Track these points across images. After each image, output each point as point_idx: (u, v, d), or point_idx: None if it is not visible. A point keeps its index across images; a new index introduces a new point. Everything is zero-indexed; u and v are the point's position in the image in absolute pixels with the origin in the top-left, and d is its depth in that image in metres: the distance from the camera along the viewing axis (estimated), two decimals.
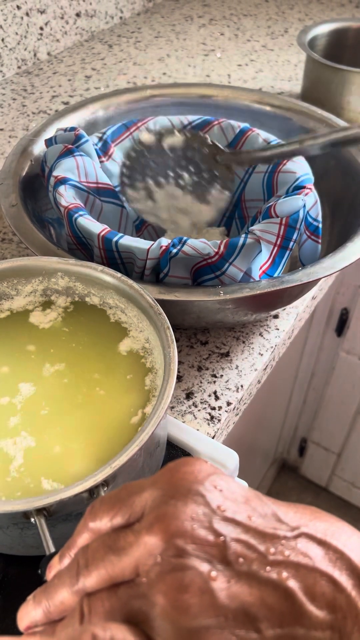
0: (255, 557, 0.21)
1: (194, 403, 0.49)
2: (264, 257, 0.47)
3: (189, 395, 0.49)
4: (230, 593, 0.20)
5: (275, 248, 0.47)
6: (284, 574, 0.21)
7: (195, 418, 0.48)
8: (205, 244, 0.45)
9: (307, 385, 1.10)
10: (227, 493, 0.23)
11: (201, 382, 0.50)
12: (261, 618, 0.20)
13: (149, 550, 0.21)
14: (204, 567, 0.20)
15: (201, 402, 0.49)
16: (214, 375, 0.51)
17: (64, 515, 0.33)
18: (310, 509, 0.24)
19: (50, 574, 0.25)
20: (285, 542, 0.22)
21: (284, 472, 1.37)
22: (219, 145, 0.54)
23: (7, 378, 0.40)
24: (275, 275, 0.49)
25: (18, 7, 0.93)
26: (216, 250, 0.45)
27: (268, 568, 0.21)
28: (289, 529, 0.22)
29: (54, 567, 0.25)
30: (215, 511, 0.22)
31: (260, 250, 0.46)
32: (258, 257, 0.46)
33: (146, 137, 0.55)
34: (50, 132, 0.61)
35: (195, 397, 0.49)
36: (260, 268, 0.47)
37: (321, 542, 0.22)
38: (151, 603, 0.21)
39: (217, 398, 0.49)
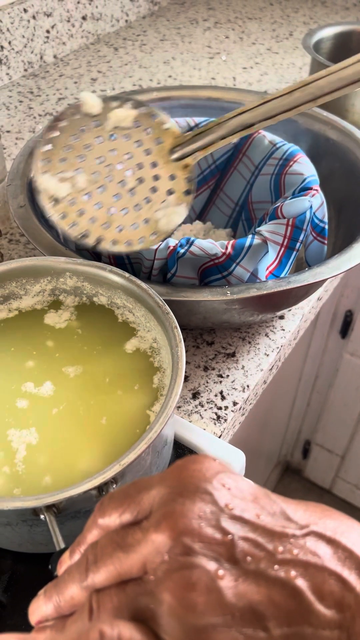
0: (263, 556, 0.21)
1: (200, 403, 0.49)
2: (270, 258, 0.47)
3: (195, 395, 0.49)
4: (237, 591, 0.20)
5: (282, 249, 0.47)
6: (292, 573, 0.21)
7: (202, 418, 0.48)
8: (212, 245, 0.46)
9: (311, 388, 1.10)
10: (235, 491, 0.23)
11: (207, 382, 0.50)
12: (269, 617, 0.20)
13: (156, 548, 0.21)
14: (211, 565, 0.21)
15: (207, 402, 0.49)
16: (220, 375, 0.51)
17: (73, 513, 0.33)
18: (320, 506, 0.24)
19: (61, 569, 0.25)
20: (294, 541, 0.21)
21: (288, 474, 1.37)
22: (178, 129, 0.40)
23: (32, 372, 0.40)
24: (282, 275, 0.49)
25: (25, 10, 0.93)
26: (223, 250, 0.45)
27: (276, 566, 0.21)
28: (297, 527, 0.22)
29: (65, 563, 0.25)
30: (223, 509, 0.22)
31: (267, 251, 0.46)
32: (265, 258, 0.46)
33: (89, 100, 0.39)
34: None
35: (202, 396, 0.49)
36: (267, 269, 0.47)
37: (330, 541, 0.22)
38: (158, 601, 0.21)
39: (223, 398, 0.49)
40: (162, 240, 0.39)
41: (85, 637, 0.21)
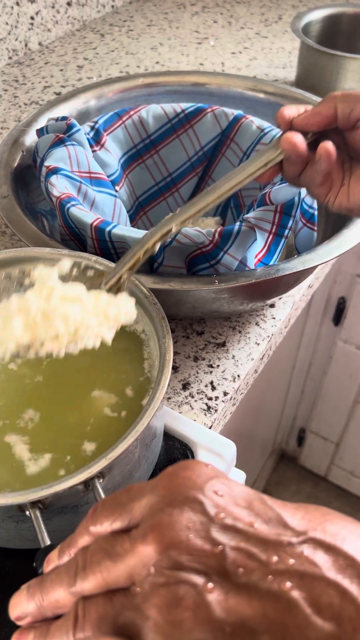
0: (256, 567, 0.20)
1: (190, 394, 0.48)
2: (259, 245, 0.46)
3: (185, 386, 0.49)
4: (227, 606, 0.19)
5: (271, 236, 0.47)
6: (287, 584, 0.19)
7: (192, 409, 0.47)
8: (199, 233, 0.45)
9: (305, 375, 1.10)
10: (227, 498, 0.22)
11: (197, 373, 0.50)
12: (261, 632, 0.19)
13: (142, 560, 0.21)
14: (199, 579, 0.20)
15: (198, 393, 0.48)
16: (211, 366, 0.50)
17: (60, 508, 0.33)
18: (320, 510, 0.22)
19: (47, 567, 0.25)
20: (290, 549, 0.20)
21: (283, 462, 1.37)
22: (99, 264, 0.40)
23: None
24: (271, 263, 0.48)
25: None
26: (210, 239, 0.45)
27: (270, 578, 0.20)
28: (294, 534, 0.21)
29: (52, 562, 0.25)
30: (214, 519, 0.21)
31: (256, 239, 0.45)
32: (253, 246, 0.46)
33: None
34: (41, 123, 0.60)
35: (192, 387, 0.49)
36: (256, 256, 0.47)
37: (330, 548, 0.20)
38: (144, 616, 0.20)
39: (213, 388, 0.49)
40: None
41: None
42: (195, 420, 0.46)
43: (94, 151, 0.56)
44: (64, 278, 0.38)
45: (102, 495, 0.30)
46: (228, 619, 0.19)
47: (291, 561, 0.20)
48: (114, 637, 0.20)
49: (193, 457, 0.42)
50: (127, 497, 0.23)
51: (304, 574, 0.20)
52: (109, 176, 0.57)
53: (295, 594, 0.19)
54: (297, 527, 0.21)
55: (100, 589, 0.22)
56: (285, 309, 0.55)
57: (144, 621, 0.20)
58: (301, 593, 0.19)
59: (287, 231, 0.47)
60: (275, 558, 0.20)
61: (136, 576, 0.21)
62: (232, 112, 0.58)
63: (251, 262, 0.47)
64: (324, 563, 0.20)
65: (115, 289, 0.38)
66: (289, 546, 0.20)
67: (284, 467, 1.36)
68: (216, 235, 0.45)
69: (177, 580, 0.20)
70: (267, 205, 0.47)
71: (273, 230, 0.46)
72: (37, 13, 0.98)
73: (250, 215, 0.46)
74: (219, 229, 0.45)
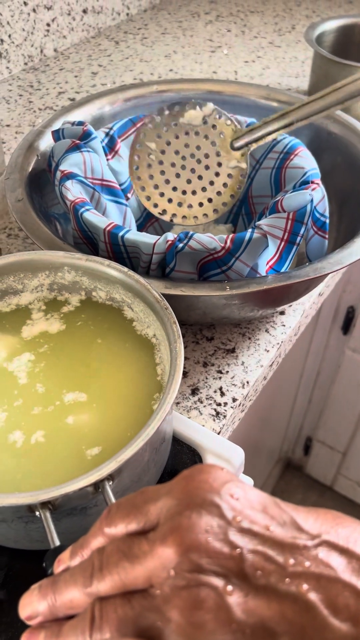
0: (273, 569, 0.20)
1: (199, 399, 0.48)
2: (270, 252, 0.46)
3: (194, 391, 0.49)
4: (247, 608, 0.20)
5: (282, 243, 0.47)
6: (304, 586, 0.20)
7: (201, 414, 0.47)
8: (211, 239, 0.45)
9: (313, 384, 1.09)
10: (243, 502, 0.22)
11: (207, 378, 0.50)
12: (281, 632, 0.19)
13: (162, 563, 0.21)
14: (219, 581, 0.20)
15: (207, 398, 0.48)
16: (220, 371, 0.50)
17: (69, 509, 0.33)
18: (331, 513, 0.23)
19: (58, 568, 0.25)
20: (306, 552, 0.21)
21: (289, 470, 1.36)
22: (237, 124, 0.50)
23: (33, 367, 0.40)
24: (282, 270, 0.48)
25: (25, 3, 0.93)
26: (223, 245, 0.45)
27: (287, 580, 0.20)
28: (309, 537, 0.21)
29: (64, 563, 0.25)
30: (231, 522, 0.21)
31: (267, 245, 0.46)
32: (265, 252, 0.46)
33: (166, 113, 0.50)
34: (57, 127, 0.60)
35: (201, 393, 0.49)
36: (267, 263, 0.47)
37: (344, 551, 0.21)
38: (166, 619, 0.20)
39: (222, 394, 0.49)
40: (219, 214, 0.51)
41: None
42: (203, 426, 0.46)
43: (107, 160, 0.56)
44: (206, 119, 0.50)
45: (112, 498, 0.30)
46: (248, 621, 0.19)
47: (307, 564, 0.20)
48: (136, 639, 0.20)
49: (201, 462, 0.42)
50: (142, 499, 0.23)
51: (320, 576, 0.20)
52: (120, 184, 0.57)
53: (313, 595, 0.20)
54: (311, 530, 0.21)
55: (117, 590, 0.22)
56: (296, 316, 0.56)
57: (165, 623, 0.20)
58: (318, 595, 0.20)
59: (299, 239, 0.47)
60: (291, 561, 0.20)
61: (155, 578, 0.21)
62: (245, 120, 0.59)
63: (262, 269, 0.47)
64: (339, 565, 0.20)
65: (241, 153, 0.50)
66: (305, 549, 0.21)
67: (290, 476, 1.35)
68: (228, 242, 0.45)
69: (198, 583, 0.20)
70: (280, 212, 0.47)
71: (285, 238, 0.46)
72: (53, 20, 0.99)
73: (263, 222, 0.46)
74: (231, 236, 0.45)
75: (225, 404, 0.48)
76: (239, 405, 0.49)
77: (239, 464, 0.42)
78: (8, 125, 0.83)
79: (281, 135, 0.57)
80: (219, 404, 0.48)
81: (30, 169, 0.57)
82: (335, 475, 1.29)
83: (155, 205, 0.51)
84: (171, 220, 0.50)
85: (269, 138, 0.49)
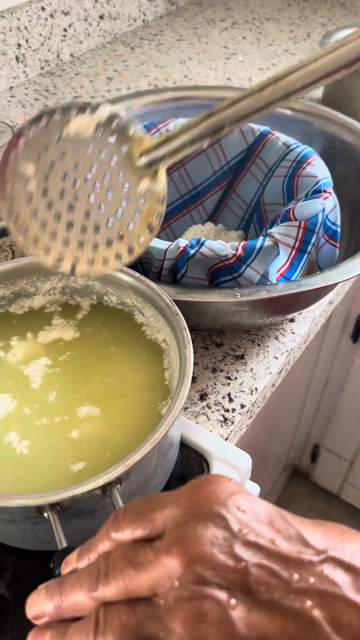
0: (277, 584, 0.20)
1: (207, 404, 0.49)
2: (281, 260, 0.46)
3: (202, 397, 0.49)
4: (250, 622, 0.20)
5: (293, 251, 0.47)
6: (308, 603, 0.20)
7: (209, 419, 0.48)
8: (223, 246, 0.45)
9: (321, 392, 1.09)
10: (250, 514, 0.22)
11: (215, 384, 0.50)
12: None
13: (167, 573, 0.21)
14: (223, 595, 0.20)
15: (215, 404, 0.49)
16: (229, 378, 0.51)
17: (77, 512, 0.33)
18: (339, 528, 0.23)
19: (65, 569, 0.25)
20: (311, 568, 0.21)
21: (296, 478, 1.36)
22: (143, 132, 0.35)
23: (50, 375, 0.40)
24: (293, 278, 0.48)
25: (42, 9, 0.94)
26: (234, 252, 0.45)
27: (291, 596, 0.20)
28: (314, 552, 0.21)
29: (71, 564, 0.25)
30: (237, 535, 0.21)
31: (278, 253, 0.46)
32: (276, 260, 0.46)
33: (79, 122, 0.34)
34: None
35: (209, 398, 0.49)
36: (278, 271, 0.47)
37: (349, 568, 0.21)
38: (168, 630, 0.20)
39: (231, 400, 0.49)
40: (135, 255, 0.35)
41: None
42: (211, 432, 0.46)
43: None
44: (101, 130, 0.34)
45: (120, 501, 0.31)
46: (251, 635, 0.19)
47: (312, 580, 0.20)
48: None
49: (208, 467, 0.43)
50: (149, 506, 0.23)
51: (324, 593, 0.20)
52: None
53: (316, 612, 0.19)
54: (317, 546, 0.21)
55: (121, 596, 0.22)
56: (305, 324, 0.56)
57: (167, 634, 0.20)
58: (322, 612, 0.20)
59: (310, 247, 0.47)
60: (296, 576, 0.20)
61: (159, 588, 0.21)
62: (259, 127, 0.59)
63: (273, 277, 0.47)
64: (344, 582, 0.20)
65: (153, 171, 0.34)
66: (310, 565, 0.21)
67: (296, 483, 1.35)
68: (239, 249, 0.45)
69: (202, 595, 0.20)
70: (291, 221, 0.47)
71: (296, 246, 0.47)
72: (70, 25, 1.00)
73: (274, 230, 0.47)
74: (242, 243, 0.46)
75: (234, 410, 0.48)
76: (247, 411, 0.49)
77: (246, 471, 0.43)
78: None
79: (294, 143, 0.57)
80: (227, 410, 0.48)
81: None
82: (342, 483, 1.29)
83: (47, 251, 0.34)
84: (72, 271, 0.34)
85: (191, 148, 0.34)
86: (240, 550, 0.21)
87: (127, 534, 0.23)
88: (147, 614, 0.21)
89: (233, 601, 0.20)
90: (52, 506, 0.31)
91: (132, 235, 0.35)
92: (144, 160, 0.34)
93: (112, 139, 0.34)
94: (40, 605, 0.24)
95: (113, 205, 0.35)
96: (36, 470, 0.35)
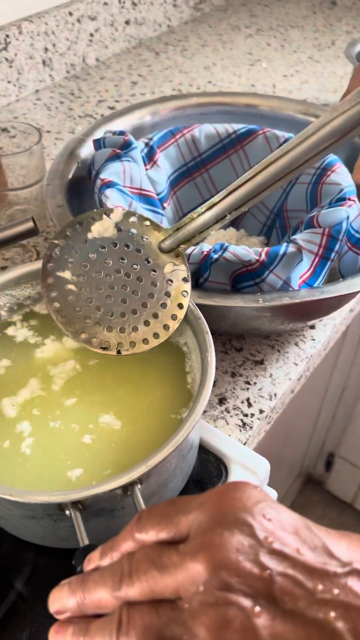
0: (302, 594, 0.20)
1: (226, 409, 0.49)
2: (304, 267, 0.47)
3: (221, 401, 0.49)
4: (274, 631, 0.20)
5: (317, 258, 0.47)
6: (332, 614, 0.20)
7: (228, 424, 0.48)
8: (246, 251, 0.46)
9: (338, 399, 1.08)
10: (275, 523, 0.22)
11: (234, 389, 0.50)
12: None
13: (192, 577, 0.21)
14: (247, 602, 0.20)
15: (234, 408, 0.49)
16: (248, 382, 0.51)
17: (97, 510, 0.34)
18: None
19: (88, 566, 0.26)
20: (335, 579, 0.21)
21: (309, 485, 1.35)
22: (158, 222, 0.42)
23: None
24: (315, 285, 0.48)
25: (70, 14, 0.95)
26: (257, 257, 0.45)
27: (315, 607, 0.20)
28: (339, 564, 0.21)
29: (93, 562, 0.25)
30: (263, 543, 0.21)
31: (302, 260, 0.46)
32: (299, 267, 0.46)
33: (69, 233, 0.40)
34: (98, 136, 0.62)
35: (228, 402, 0.49)
36: (301, 277, 0.47)
37: None
38: (192, 634, 0.20)
39: (250, 405, 0.49)
40: (170, 331, 0.41)
41: None
42: (230, 436, 0.46)
43: (145, 169, 0.58)
44: (122, 227, 0.41)
45: (141, 501, 0.31)
46: None
47: (336, 591, 0.20)
48: None
49: (227, 471, 0.43)
50: (174, 509, 0.24)
51: (348, 605, 0.20)
52: (157, 194, 0.58)
53: (340, 624, 0.20)
54: (342, 558, 0.21)
55: (145, 597, 0.22)
56: (326, 331, 0.56)
57: (191, 638, 0.20)
58: (345, 624, 0.20)
59: (333, 254, 0.47)
60: (320, 587, 0.20)
61: (183, 591, 0.21)
62: (284, 134, 0.59)
63: (295, 283, 0.47)
64: None
65: (174, 254, 0.41)
66: (335, 576, 0.21)
67: (310, 491, 1.34)
68: (263, 255, 0.45)
69: (226, 602, 0.20)
70: (315, 228, 0.47)
71: (319, 253, 0.47)
72: (96, 30, 1.02)
73: (298, 236, 0.47)
74: (265, 249, 0.46)
75: (252, 415, 0.48)
76: (266, 417, 0.49)
77: (264, 476, 0.43)
78: (48, 132, 0.85)
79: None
80: (246, 415, 0.48)
81: (70, 176, 0.58)
82: (356, 492, 1.27)
83: (90, 340, 0.40)
84: (118, 353, 0.40)
85: (202, 235, 0.40)
86: (265, 558, 0.21)
87: (151, 536, 0.24)
88: (170, 616, 0.21)
89: (257, 609, 0.20)
90: (74, 504, 0.31)
91: (165, 313, 0.41)
92: (164, 247, 0.40)
93: (134, 231, 0.41)
94: (62, 600, 0.25)
95: (145, 289, 0.41)
96: (36, 470, 0.36)
